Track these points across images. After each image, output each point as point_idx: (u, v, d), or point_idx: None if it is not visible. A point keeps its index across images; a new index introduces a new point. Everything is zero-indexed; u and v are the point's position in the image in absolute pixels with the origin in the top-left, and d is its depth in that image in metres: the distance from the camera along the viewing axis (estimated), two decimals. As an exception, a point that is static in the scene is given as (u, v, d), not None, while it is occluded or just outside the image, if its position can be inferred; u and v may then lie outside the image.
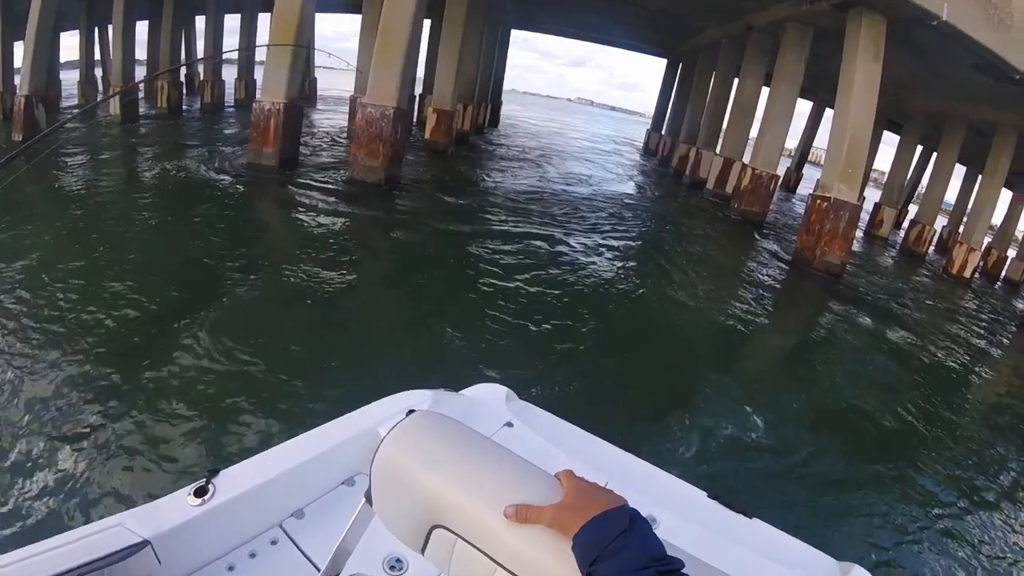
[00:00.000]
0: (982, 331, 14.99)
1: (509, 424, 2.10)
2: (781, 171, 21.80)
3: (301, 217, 9.74)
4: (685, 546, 1.69)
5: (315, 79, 30.79)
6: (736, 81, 22.83)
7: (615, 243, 12.39)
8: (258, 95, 12.59)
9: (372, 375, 4.98)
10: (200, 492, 1.44)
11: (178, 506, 1.40)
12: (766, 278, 13.12)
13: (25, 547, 1.22)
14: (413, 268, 8.37)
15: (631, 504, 0.88)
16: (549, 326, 7.22)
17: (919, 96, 24.24)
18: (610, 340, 7.31)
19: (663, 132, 35.01)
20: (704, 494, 2.15)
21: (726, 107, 23.32)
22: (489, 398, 2.28)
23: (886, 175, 30.75)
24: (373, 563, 1.46)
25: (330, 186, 11.59)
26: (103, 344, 5.02)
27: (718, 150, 22.60)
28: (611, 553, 0.78)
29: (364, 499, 1.09)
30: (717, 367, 7.22)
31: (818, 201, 14.04)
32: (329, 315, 6.48)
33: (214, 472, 1.50)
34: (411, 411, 1.72)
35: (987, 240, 33.39)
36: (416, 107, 24.34)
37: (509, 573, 0.89)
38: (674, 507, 1.90)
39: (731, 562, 1.72)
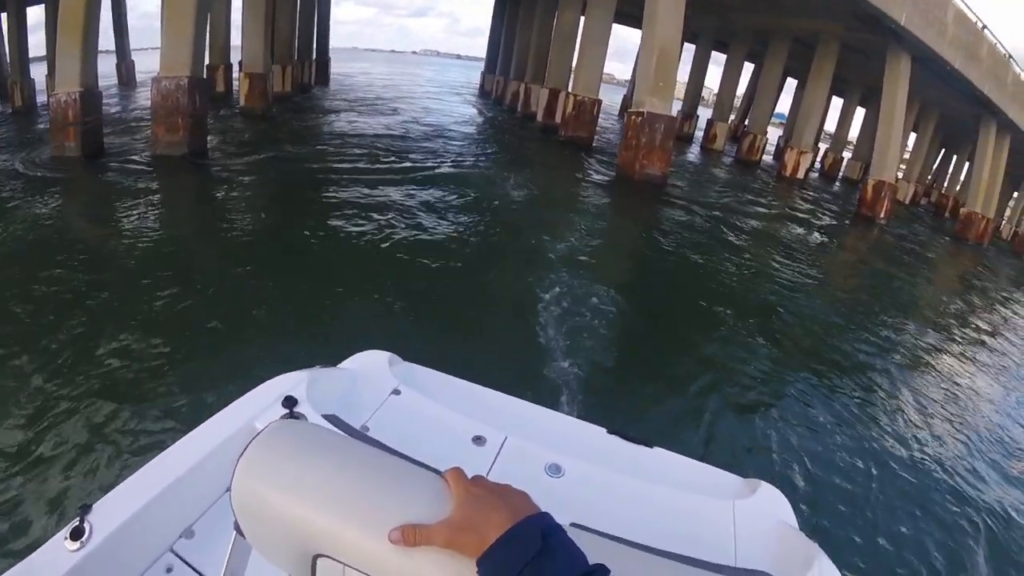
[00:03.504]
0: (809, 216, 16.58)
1: (396, 391, 2.03)
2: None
3: (108, 206, 9.03)
4: (592, 491, 1.70)
5: (132, 62, 28.70)
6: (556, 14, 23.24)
7: (453, 183, 12.45)
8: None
9: (239, 364, 4.62)
10: (76, 534, 1.29)
11: (56, 555, 1.26)
12: (591, 196, 13.74)
13: None
14: (241, 236, 8.09)
15: (527, 496, 0.80)
16: (405, 270, 7.28)
17: (746, 16, 25.82)
18: (460, 270, 7.64)
19: (496, 73, 35.31)
20: (604, 430, 2.15)
21: (550, 41, 23.69)
22: (372, 366, 2.16)
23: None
24: None
25: (135, 168, 10.89)
26: None
27: (544, 83, 23.08)
28: None
29: (235, 530, 0.96)
30: (551, 274, 7.73)
31: (633, 116, 14.81)
32: (167, 306, 5.79)
33: (86, 508, 1.35)
34: (287, 407, 1.66)
35: (824, 147, 36.62)
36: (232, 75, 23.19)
37: None
38: (576, 450, 1.88)
39: (638, 498, 1.72)
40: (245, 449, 0.88)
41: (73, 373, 4.46)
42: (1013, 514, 5.00)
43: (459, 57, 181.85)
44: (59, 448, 3.66)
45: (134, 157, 11.48)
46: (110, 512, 1.37)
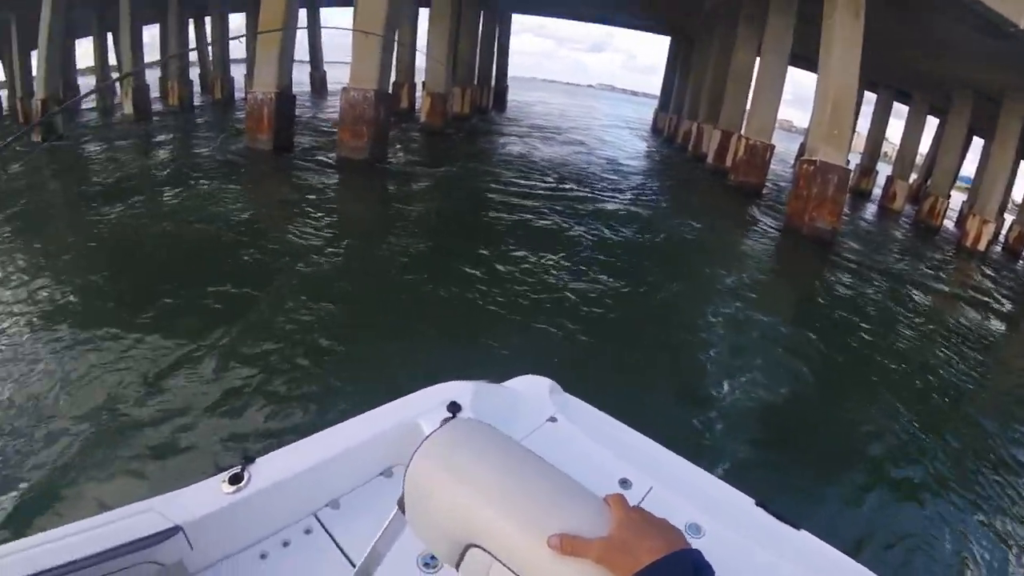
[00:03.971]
0: (986, 301, 15.12)
1: (552, 419, 2.06)
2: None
3: (290, 194, 10.09)
4: (730, 558, 1.62)
5: (324, 72, 31.35)
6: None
7: (620, 210, 12.67)
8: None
9: (404, 362, 4.87)
10: (235, 480, 1.43)
11: (211, 493, 1.40)
12: (755, 246, 13.21)
13: (54, 529, 1.22)
14: (410, 240, 8.56)
15: (683, 533, 0.84)
16: (559, 299, 7.40)
17: (922, 61, 23.99)
18: (628, 319, 7.54)
19: (670, 111, 35.00)
20: (752, 501, 2.09)
21: (724, 81, 23.10)
22: (532, 391, 2.20)
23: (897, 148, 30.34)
24: (407, 560, 1.42)
25: (319, 165, 12.07)
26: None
27: (717, 124, 22.62)
28: None
29: (397, 507, 1.04)
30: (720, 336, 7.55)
31: (804, 165, 14.04)
32: (336, 293, 6.35)
33: (249, 460, 1.49)
34: (451, 412, 1.75)
35: (1010, 218, 33.44)
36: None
37: None
38: (719, 514, 1.87)
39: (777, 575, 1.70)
40: (431, 434, 0.96)
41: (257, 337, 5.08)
42: None
43: (635, 93, 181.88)
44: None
45: (320, 156, 12.62)
46: (269, 468, 1.49)
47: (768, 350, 7.53)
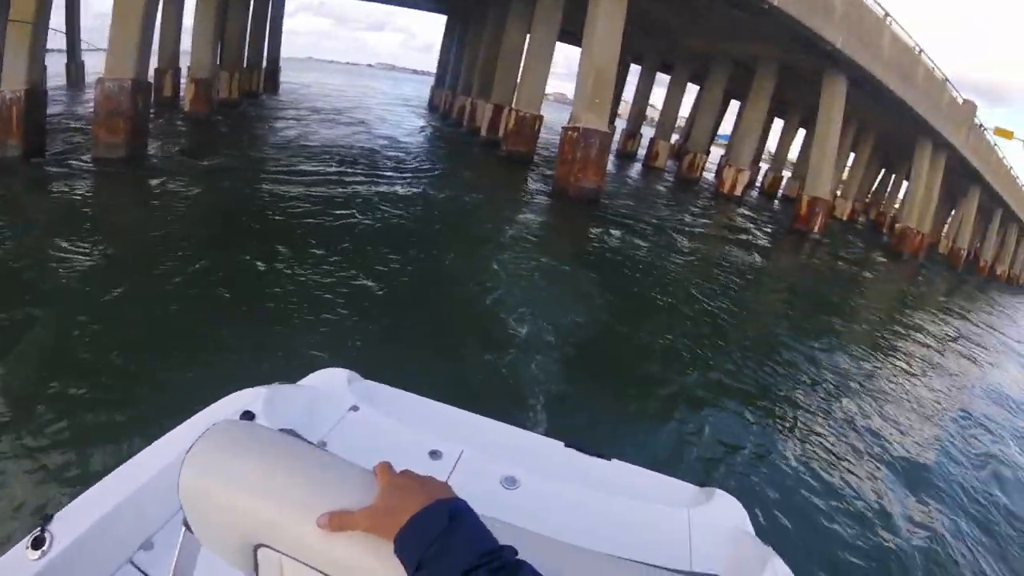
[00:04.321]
0: (740, 234, 17.44)
1: (354, 408, 2.04)
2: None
3: (34, 210, 8.93)
4: (546, 501, 1.75)
5: (82, 62, 28.34)
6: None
7: (398, 189, 12.98)
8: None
9: (199, 379, 4.54)
10: (37, 543, 1.32)
11: (17, 564, 1.29)
12: (528, 208, 14.33)
13: None
14: (172, 245, 7.82)
15: (448, 486, 0.85)
16: (364, 291, 7.33)
17: (687, 39, 26.70)
18: (411, 289, 7.77)
19: (445, 87, 35.91)
20: (561, 444, 2.18)
21: (497, 57, 24.19)
22: (330, 383, 2.19)
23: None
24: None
25: (72, 170, 10.92)
26: None
27: (490, 99, 23.73)
28: (433, 557, 0.73)
29: (184, 527, 1.00)
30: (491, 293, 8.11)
31: (569, 132, 15.43)
32: (108, 322, 5.57)
33: (47, 518, 1.37)
34: (243, 416, 1.66)
35: (766, 167, 38.19)
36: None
37: None
38: (532, 463, 1.92)
39: (593, 508, 1.76)
40: (192, 446, 0.92)
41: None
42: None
43: (415, 72, 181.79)
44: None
45: (75, 158, 11.54)
46: (71, 522, 1.39)
47: (550, 295, 8.46)
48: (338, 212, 10.56)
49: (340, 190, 12.15)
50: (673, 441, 5.39)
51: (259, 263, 7.59)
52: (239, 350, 5.34)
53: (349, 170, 14.15)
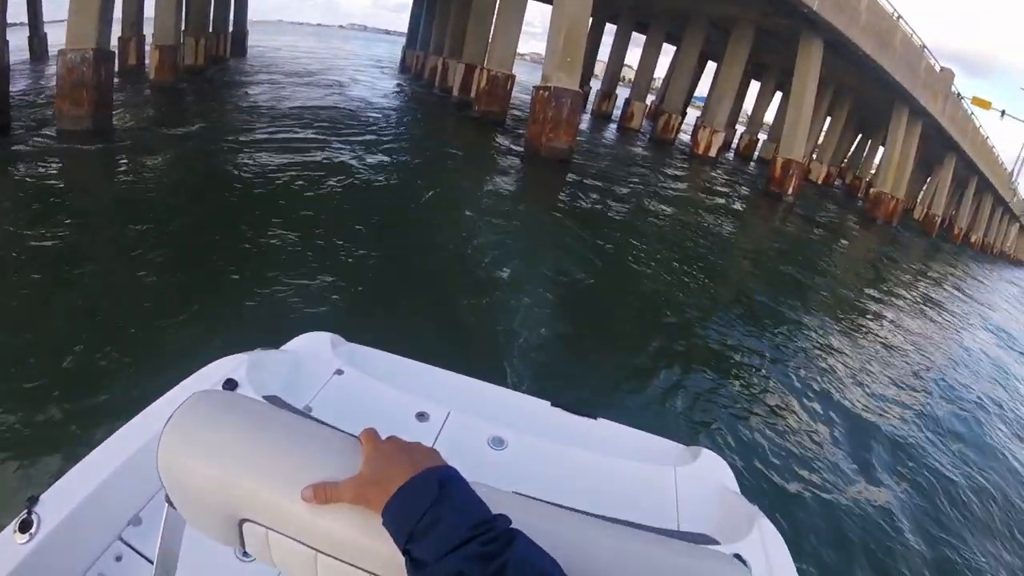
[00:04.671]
0: (710, 193, 17.55)
1: (339, 372, 2.03)
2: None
3: (4, 188, 8.58)
4: (533, 461, 1.76)
5: (45, 35, 27.61)
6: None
7: (369, 153, 12.86)
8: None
9: (181, 353, 4.36)
10: (25, 526, 1.30)
11: (6, 549, 1.27)
12: (500, 170, 14.39)
13: None
14: (144, 217, 7.71)
15: (436, 452, 0.82)
16: (345, 254, 7.35)
17: None
18: (389, 248, 7.90)
19: (417, 48, 35.42)
20: (547, 404, 2.19)
21: (468, 17, 23.90)
22: (314, 347, 2.16)
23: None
24: (211, 563, 1.38)
25: (37, 146, 10.68)
26: None
27: (462, 59, 23.50)
28: (424, 529, 0.70)
29: (166, 503, 0.96)
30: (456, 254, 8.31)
31: (540, 91, 15.33)
32: (89, 298, 5.54)
33: (34, 500, 1.35)
34: (229, 390, 1.63)
35: (741, 129, 38.24)
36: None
37: (330, 557, 0.82)
38: (520, 423, 1.93)
39: (580, 468, 1.76)
40: (169, 419, 0.88)
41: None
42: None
43: (387, 32, 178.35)
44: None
45: (38, 134, 11.34)
46: (57, 503, 1.37)
47: (525, 249, 8.89)
48: (310, 177, 10.54)
49: (309, 157, 12.04)
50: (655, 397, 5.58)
51: (231, 230, 7.57)
52: (219, 317, 5.33)
53: (317, 136, 14.01)
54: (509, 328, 6.14)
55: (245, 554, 1.02)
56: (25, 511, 1.32)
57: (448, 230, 9.18)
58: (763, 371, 6.99)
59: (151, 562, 1.31)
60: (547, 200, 12.63)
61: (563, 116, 15.16)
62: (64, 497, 1.38)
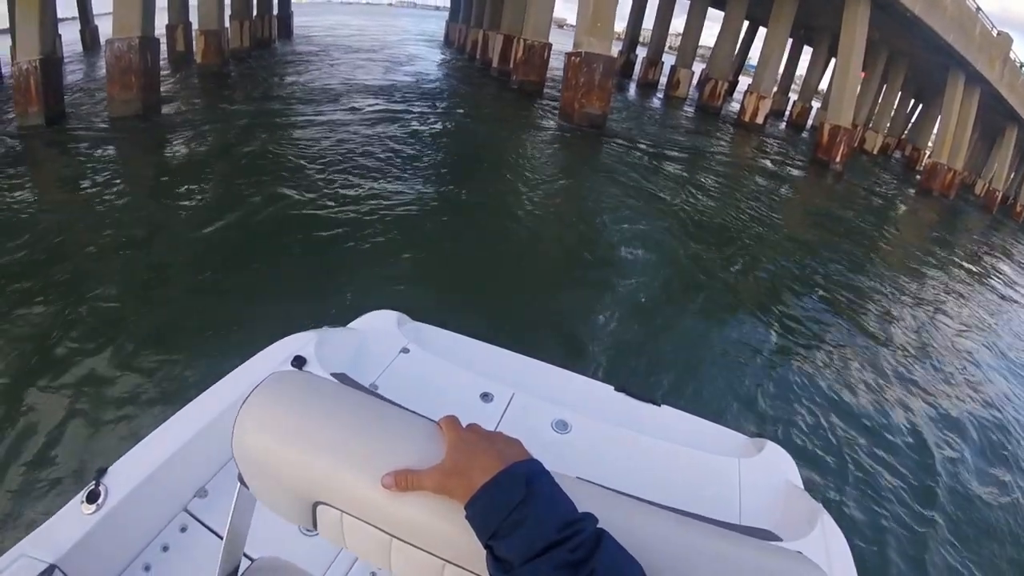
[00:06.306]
0: (762, 162, 17.24)
1: (405, 350, 2.05)
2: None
3: (64, 176, 9.23)
4: (596, 445, 1.77)
5: (96, 27, 28.69)
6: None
7: (423, 134, 13.07)
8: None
9: (255, 325, 4.54)
10: (92, 497, 1.33)
11: (74, 519, 1.30)
12: (539, 136, 14.49)
13: None
14: (197, 198, 8.17)
15: (520, 443, 0.80)
16: (408, 230, 7.53)
17: None
18: (461, 225, 8.27)
19: (459, 21, 35.41)
20: (611, 388, 2.19)
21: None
22: (381, 326, 2.18)
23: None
24: (277, 537, 1.39)
25: (91, 132, 11.33)
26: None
27: (500, 30, 23.38)
28: (509, 529, 0.68)
29: (239, 482, 0.97)
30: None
31: (572, 57, 15.33)
32: (145, 276, 5.77)
33: (102, 472, 1.38)
34: (297, 367, 1.69)
35: (794, 97, 36.72)
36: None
37: (405, 543, 0.81)
38: (583, 407, 1.94)
39: (643, 454, 1.76)
40: (245, 399, 0.88)
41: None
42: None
43: (436, 8, 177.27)
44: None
45: (91, 120, 11.99)
46: (125, 475, 1.39)
47: (575, 217, 9.37)
48: (368, 152, 10.92)
49: (365, 130, 12.44)
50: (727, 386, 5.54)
51: (291, 206, 7.93)
52: (286, 294, 5.46)
53: (365, 111, 14.34)
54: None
55: (309, 530, 1.01)
56: (93, 483, 1.36)
57: (496, 196, 9.65)
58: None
59: (214, 532, 1.44)
60: (581, 168, 12.64)
61: (595, 81, 15.12)
62: (131, 469, 1.42)
